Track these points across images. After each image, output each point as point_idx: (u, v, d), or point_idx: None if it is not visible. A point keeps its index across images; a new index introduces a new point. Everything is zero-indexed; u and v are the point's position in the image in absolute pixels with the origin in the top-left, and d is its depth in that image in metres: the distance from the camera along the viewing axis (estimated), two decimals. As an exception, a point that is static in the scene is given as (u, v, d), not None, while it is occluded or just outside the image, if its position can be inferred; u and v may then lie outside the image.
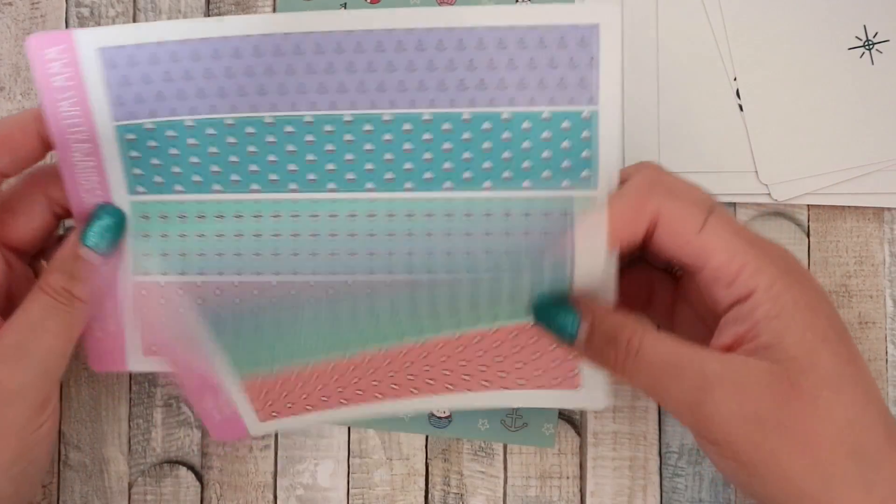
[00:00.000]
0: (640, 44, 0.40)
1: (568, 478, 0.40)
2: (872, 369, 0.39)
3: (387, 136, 0.34)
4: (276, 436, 0.40)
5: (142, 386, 0.41)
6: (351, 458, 0.40)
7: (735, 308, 0.31)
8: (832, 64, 0.39)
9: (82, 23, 0.41)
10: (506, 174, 0.35)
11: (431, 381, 0.38)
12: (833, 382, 0.30)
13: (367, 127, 0.34)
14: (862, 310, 0.40)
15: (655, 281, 0.37)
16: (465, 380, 0.37)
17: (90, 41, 0.34)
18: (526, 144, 0.34)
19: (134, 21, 0.41)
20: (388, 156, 0.35)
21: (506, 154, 0.35)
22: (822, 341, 0.30)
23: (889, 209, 0.40)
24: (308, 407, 0.38)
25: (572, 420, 0.40)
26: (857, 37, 0.39)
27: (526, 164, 0.35)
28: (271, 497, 0.40)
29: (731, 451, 0.30)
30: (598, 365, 0.33)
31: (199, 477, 0.40)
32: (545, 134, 0.34)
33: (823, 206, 0.40)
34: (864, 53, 0.39)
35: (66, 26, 0.41)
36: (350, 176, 0.35)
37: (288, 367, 0.37)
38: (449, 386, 0.37)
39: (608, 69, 0.33)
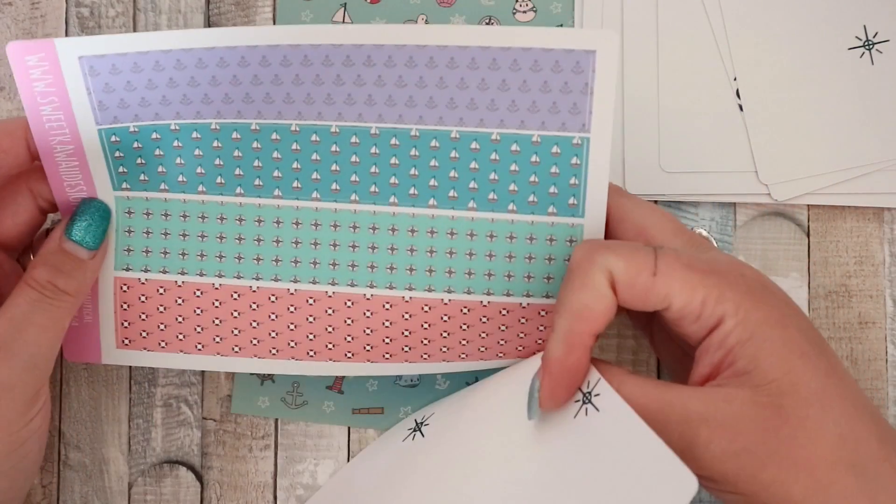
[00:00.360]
0: (641, 44, 0.40)
1: (568, 478, 0.40)
2: (872, 369, 0.39)
3: (373, 150, 0.34)
4: (276, 436, 0.40)
5: (142, 386, 0.41)
6: (351, 459, 0.40)
7: (707, 339, 0.31)
8: (832, 64, 0.39)
9: (82, 23, 0.41)
10: (491, 195, 0.35)
11: (333, 346, 0.37)
12: (818, 399, 0.30)
13: (354, 139, 0.34)
14: (862, 310, 0.40)
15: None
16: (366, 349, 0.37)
17: (71, 50, 0.34)
18: (514, 167, 0.34)
19: (134, 21, 0.41)
20: (373, 169, 0.35)
21: (492, 175, 0.34)
22: (800, 357, 0.30)
23: (889, 209, 0.40)
24: (163, 343, 0.38)
25: (572, 420, 0.40)
26: (857, 37, 0.39)
27: (512, 186, 0.34)
28: (271, 497, 0.40)
29: (731, 486, 0.30)
30: None
31: (199, 477, 0.40)
32: (534, 158, 0.34)
33: (823, 206, 0.40)
34: (864, 53, 0.39)
35: (66, 26, 0.41)
36: (334, 186, 0.35)
37: (176, 273, 0.37)
38: (349, 354, 0.37)
39: (602, 96, 0.33)
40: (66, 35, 0.41)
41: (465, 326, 0.36)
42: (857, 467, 0.29)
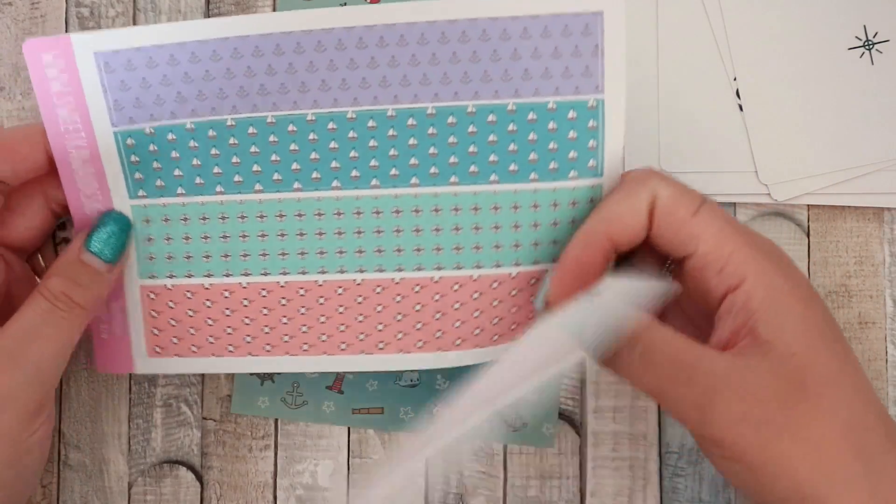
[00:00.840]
0: (640, 44, 0.40)
1: (568, 478, 0.40)
2: (872, 369, 0.39)
3: (391, 132, 0.34)
4: (276, 436, 0.40)
5: (142, 386, 0.41)
6: (351, 459, 0.40)
7: (728, 298, 0.31)
8: (832, 64, 0.39)
9: (82, 23, 0.41)
10: (512, 167, 0.35)
11: (365, 336, 0.37)
12: (834, 381, 0.30)
13: (371, 123, 0.34)
14: (862, 310, 0.40)
15: None
16: (405, 334, 0.37)
17: (87, 45, 0.34)
18: (532, 136, 0.34)
19: (134, 21, 0.41)
20: (392, 152, 0.35)
21: (511, 146, 0.34)
22: (820, 338, 0.30)
23: (889, 209, 0.40)
24: (194, 348, 0.37)
25: (572, 420, 0.40)
26: (857, 37, 0.39)
27: (532, 155, 0.34)
28: (271, 497, 0.40)
29: (737, 453, 0.30)
30: (603, 365, 0.32)
31: (199, 477, 0.40)
32: (551, 125, 0.34)
33: (823, 206, 0.40)
34: (864, 53, 0.39)
35: (66, 26, 0.41)
36: (354, 173, 0.35)
37: (202, 276, 0.37)
38: (381, 344, 0.37)
39: (613, 57, 0.33)
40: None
41: (496, 302, 0.36)
42: (863, 455, 0.30)
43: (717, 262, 0.31)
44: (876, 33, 0.39)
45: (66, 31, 0.41)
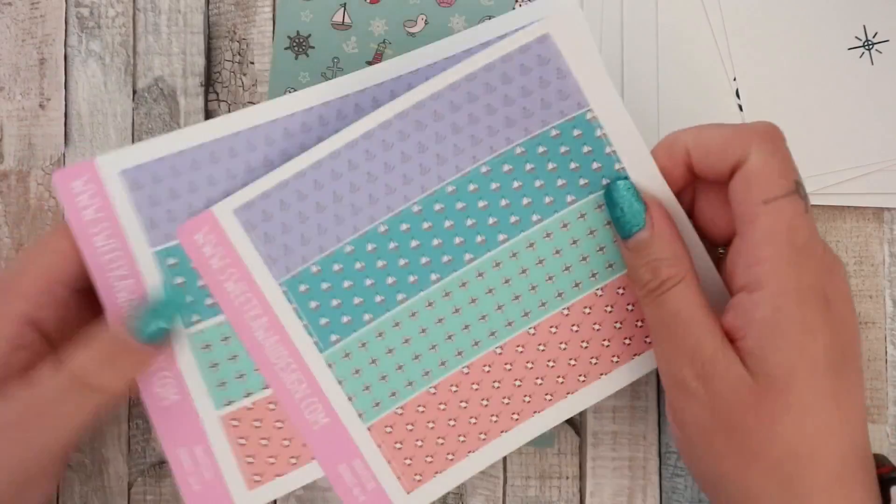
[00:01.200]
0: (641, 43, 0.40)
1: (567, 478, 0.40)
2: (872, 369, 0.39)
3: (425, 225, 0.35)
4: (276, 436, 0.40)
5: (142, 386, 0.40)
6: (351, 458, 0.40)
7: (739, 296, 0.31)
8: (832, 64, 0.39)
9: (82, 23, 0.41)
10: (547, 200, 0.35)
11: (530, 397, 0.36)
12: (799, 412, 0.29)
13: (404, 227, 0.35)
14: (862, 310, 0.40)
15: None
16: (559, 384, 0.36)
17: (111, 165, 0.34)
18: (550, 166, 0.34)
19: (133, 21, 0.41)
20: (435, 242, 0.35)
21: (538, 183, 0.34)
22: (808, 371, 0.29)
23: (889, 209, 0.40)
24: (449, 455, 0.36)
25: (572, 420, 0.40)
26: (857, 37, 0.39)
27: (560, 182, 0.34)
28: (271, 497, 0.40)
29: (679, 422, 0.32)
30: (628, 271, 0.33)
31: (199, 477, 0.40)
32: (563, 149, 0.34)
33: (823, 206, 0.40)
34: (864, 53, 0.39)
35: (66, 26, 0.41)
36: (412, 279, 0.35)
37: (409, 396, 0.36)
38: (547, 396, 0.36)
39: (583, 69, 0.33)
40: (66, 36, 0.41)
41: (597, 327, 0.36)
42: (787, 484, 0.29)
43: (751, 258, 0.30)
44: (876, 33, 0.39)
45: (66, 31, 0.41)
